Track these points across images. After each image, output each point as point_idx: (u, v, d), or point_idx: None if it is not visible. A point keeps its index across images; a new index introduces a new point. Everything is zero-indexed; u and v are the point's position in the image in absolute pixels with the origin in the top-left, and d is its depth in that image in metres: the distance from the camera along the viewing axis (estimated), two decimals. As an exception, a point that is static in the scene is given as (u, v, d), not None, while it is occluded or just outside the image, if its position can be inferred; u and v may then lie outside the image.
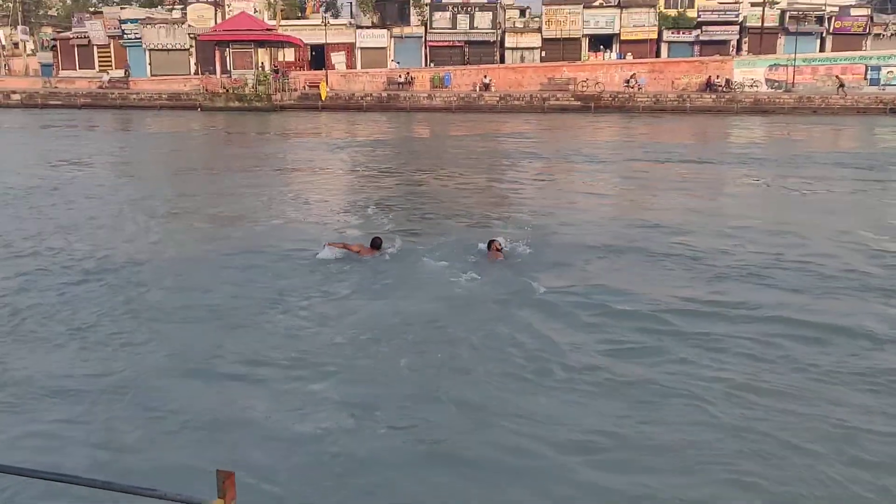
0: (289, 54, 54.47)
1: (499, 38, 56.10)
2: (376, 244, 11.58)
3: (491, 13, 55.72)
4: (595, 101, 46.00)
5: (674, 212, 16.11)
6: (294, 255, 12.06)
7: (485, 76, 50.49)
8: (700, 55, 52.73)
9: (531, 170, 23.62)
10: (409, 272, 10.96)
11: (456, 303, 9.65)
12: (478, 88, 49.72)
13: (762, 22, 52.04)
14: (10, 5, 72.46)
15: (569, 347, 8.23)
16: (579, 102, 46.35)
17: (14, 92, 51.65)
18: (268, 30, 49.61)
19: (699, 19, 53.78)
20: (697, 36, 53.54)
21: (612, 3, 55.95)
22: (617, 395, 7.15)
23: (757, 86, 47.97)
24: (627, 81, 48.34)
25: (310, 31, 56.08)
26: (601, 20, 55.00)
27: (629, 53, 53.81)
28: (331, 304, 9.63)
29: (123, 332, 8.70)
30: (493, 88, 49.59)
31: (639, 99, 46.10)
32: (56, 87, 52.93)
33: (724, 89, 47.61)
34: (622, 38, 54.69)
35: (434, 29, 56.44)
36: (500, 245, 11.34)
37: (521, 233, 12.94)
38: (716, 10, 54.12)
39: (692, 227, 14.49)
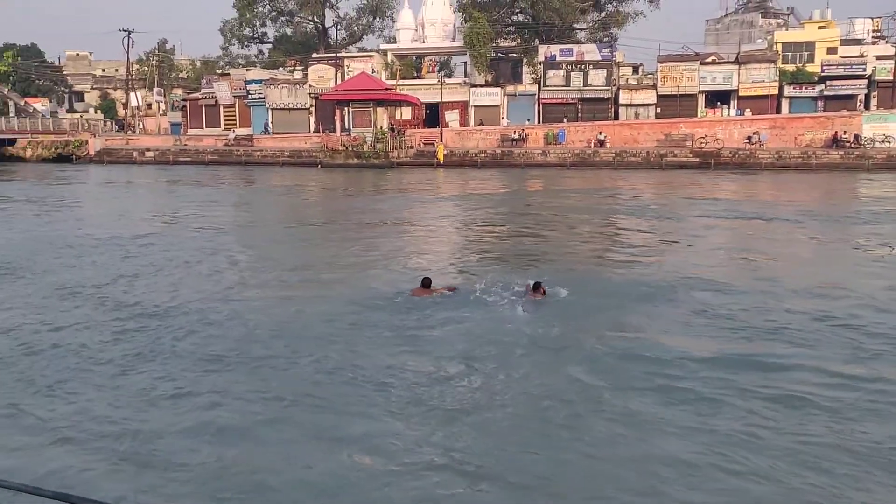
0: (406, 112, 55.85)
1: (613, 95, 55.87)
2: (426, 284, 12.13)
3: (605, 70, 55.70)
4: (715, 157, 44.96)
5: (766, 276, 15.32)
6: (363, 300, 12.33)
7: (599, 132, 50.25)
8: (824, 110, 50.97)
9: (637, 224, 23.07)
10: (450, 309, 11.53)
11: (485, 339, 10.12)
12: (592, 145, 49.47)
13: (894, 75, 49.96)
14: (147, 69, 77.60)
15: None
16: (698, 159, 45.40)
17: (148, 149, 54.79)
18: (386, 89, 51.04)
19: (823, 73, 52.13)
20: (821, 91, 51.89)
21: (730, 60, 55.09)
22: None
23: (889, 141, 45.79)
24: (749, 138, 47.08)
25: (425, 90, 57.46)
26: (718, 76, 54.10)
27: (748, 109, 52.56)
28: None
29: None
30: (608, 145, 49.23)
31: (760, 155, 44.79)
32: (185, 145, 55.84)
33: (853, 145, 45.68)
34: (740, 93, 53.55)
35: (547, 86, 56.81)
36: (544, 289, 11.92)
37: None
38: (841, 65, 52.38)
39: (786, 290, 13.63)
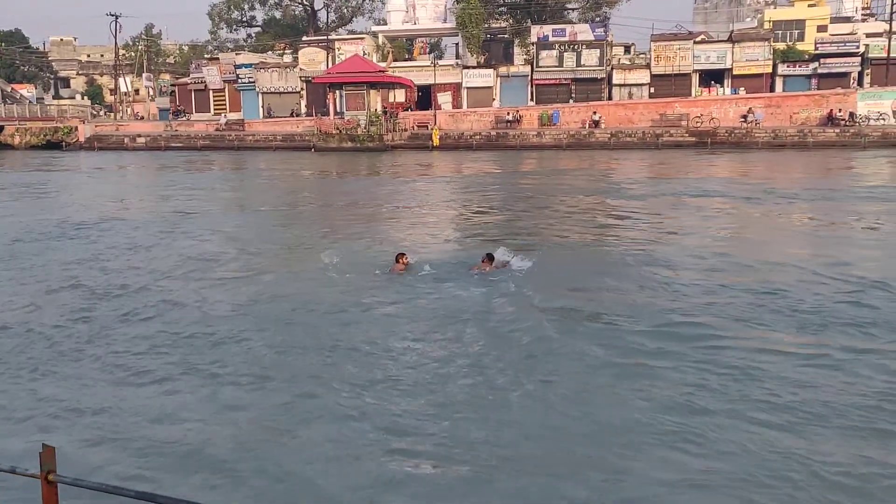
0: (399, 95, 55.43)
1: (607, 75, 55.61)
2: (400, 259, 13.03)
3: (598, 50, 55.38)
4: (711, 136, 44.87)
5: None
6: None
7: (594, 113, 50.04)
8: (818, 88, 50.92)
9: (628, 204, 23.12)
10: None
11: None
12: (587, 125, 49.26)
13: (888, 53, 49.93)
14: (134, 55, 76.65)
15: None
16: (694, 138, 45.31)
17: (139, 135, 54.17)
18: (379, 71, 50.57)
19: (817, 51, 52.02)
20: (815, 69, 51.78)
21: (723, 38, 54.90)
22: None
23: (884, 119, 45.83)
24: (744, 116, 46.99)
25: (417, 72, 56.99)
26: (712, 55, 53.91)
27: (742, 88, 52.45)
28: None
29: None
30: (602, 125, 49.04)
31: (757, 134, 44.74)
32: (176, 131, 55.22)
33: (848, 123, 45.69)
34: (734, 72, 53.40)
35: (540, 67, 56.45)
36: (494, 261, 12.91)
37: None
38: (834, 42, 52.27)
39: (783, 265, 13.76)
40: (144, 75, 70.30)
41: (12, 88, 65.50)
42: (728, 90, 52.73)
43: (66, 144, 54.50)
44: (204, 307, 11.36)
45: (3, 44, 74.67)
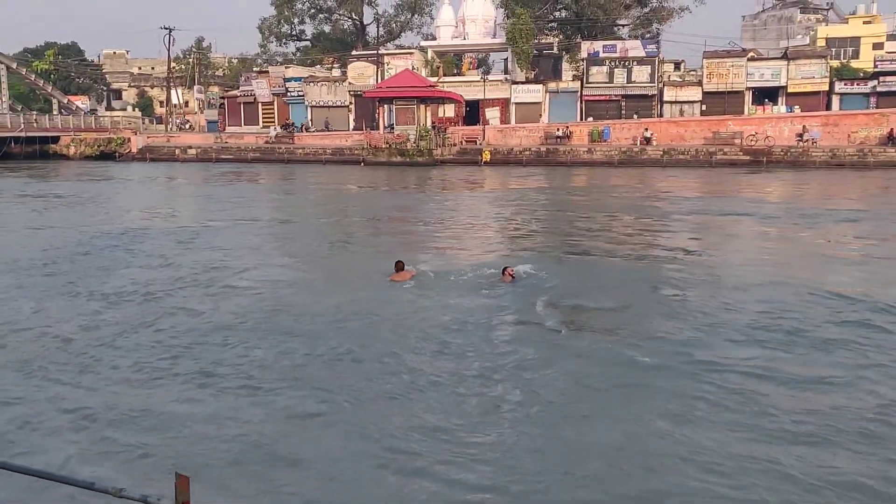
0: (448, 110, 55.42)
1: (658, 92, 55.02)
2: (398, 267, 13.41)
3: (650, 67, 54.84)
4: (766, 155, 44.03)
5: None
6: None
7: (646, 130, 49.48)
8: (877, 107, 49.75)
9: (680, 223, 22.66)
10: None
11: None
12: (638, 142, 48.71)
13: (950, 71, 48.68)
14: (184, 67, 77.83)
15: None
16: (748, 157, 44.51)
17: (190, 147, 54.85)
18: (430, 86, 50.62)
19: (876, 69, 50.88)
20: (874, 87, 50.63)
21: (777, 56, 54.02)
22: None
23: (947, 139, 44.59)
24: (800, 135, 46.03)
25: (466, 87, 56.97)
26: (766, 72, 53.03)
27: (796, 106, 51.43)
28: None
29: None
30: (654, 142, 48.45)
31: (814, 154, 43.78)
32: (226, 143, 55.80)
33: (910, 143, 44.53)
34: (789, 90, 52.43)
35: (590, 83, 56.05)
36: (511, 271, 13.34)
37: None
38: (895, 60, 51.08)
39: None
40: (196, 87, 71.27)
41: (69, 100, 66.85)
42: (783, 108, 51.75)
43: (119, 155, 55.40)
44: (264, 316, 11.43)
45: (60, 56, 76.38)
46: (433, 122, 50.90)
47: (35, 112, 61.01)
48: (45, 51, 76.79)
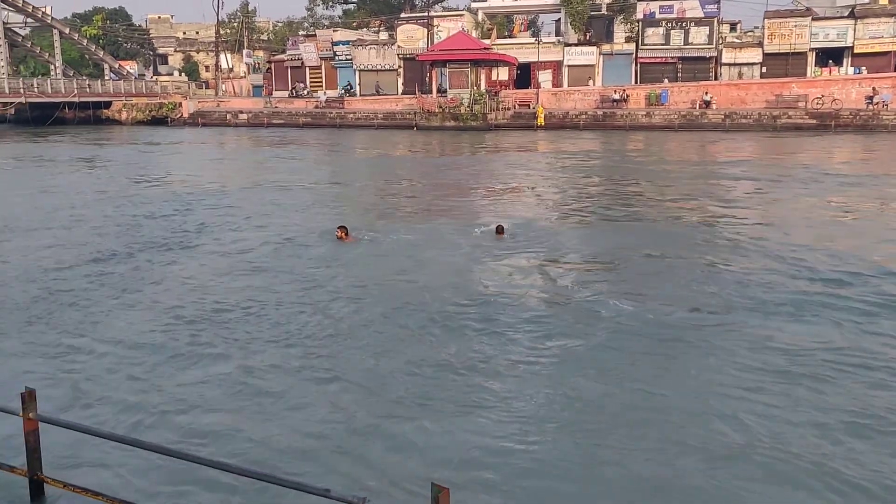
0: (502, 73, 54.49)
1: (716, 54, 53.46)
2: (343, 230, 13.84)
3: (708, 28, 53.26)
4: (833, 119, 42.55)
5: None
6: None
7: (705, 93, 48.13)
8: (950, 67, 47.86)
9: (739, 188, 21.94)
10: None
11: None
12: (698, 106, 47.43)
13: None
14: (230, 31, 77.43)
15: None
16: (815, 121, 43.06)
17: (241, 111, 54.70)
18: (484, 49, 49.70)
19: (950, 28, 48.85)
20: (946, 47, 48.65)
21: (844, 14, 52.05)
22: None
23: None
24: (870, 98, 44.38)
25: (517, 49, 55.90)
26: (831, 32, 51.19)
27: (863, 67, 49.63)
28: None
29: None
30: (714, 106, 47.13)
31: (885, 116, 42.21)
32: (276, 107, 55.54)
33: (985, 105, 42.74)
34: (856, 50, 50.59)
35: (646, 45, 54.68)
36: (502, 229, 14.33)
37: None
38: (968, 19, 49.00)
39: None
40: (244, 52, 70.93)
41: (120, 65, 66.99)
42: (849, 69, 49.99)
43: (171, 120, 55.49)
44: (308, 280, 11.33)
45: (108, 21, 76.46)
46: (487, 86, 50.04)
47: (87, 77, 61.24)
48: (93, 16, 76.83)
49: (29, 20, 62.25)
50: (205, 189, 22.13)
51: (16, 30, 63.43)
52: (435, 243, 13.96)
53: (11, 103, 53.12)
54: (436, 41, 55.41)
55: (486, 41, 54.29)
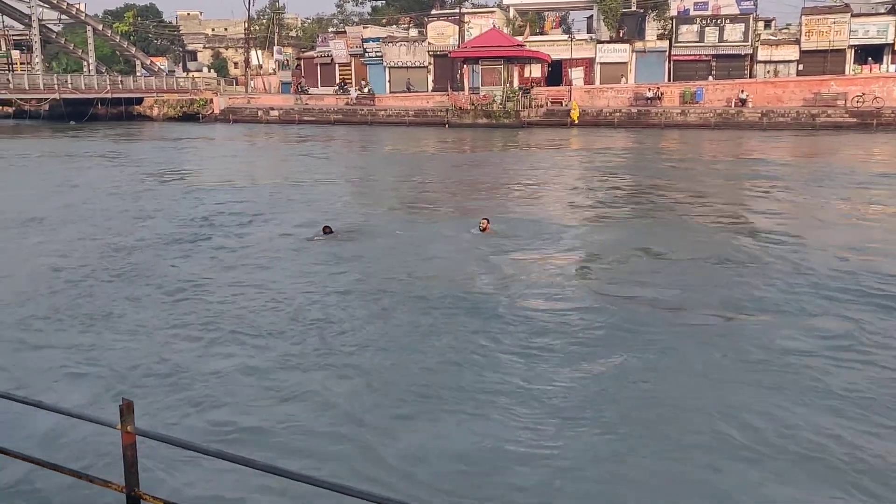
0: (535, 70, 54.06)
1: (752, 51, 52.69)
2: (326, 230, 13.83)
3: (743, 25, 52.51)
4: (875, 117, 41.76)
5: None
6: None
7: (741, 91, 47.42)
8: None
9: (763, 188, 21.29)
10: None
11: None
12: (734, 104, 46.76)
13: None
14: (258, 28, 77.62)
15: None
16: (855, 119, 42.30)
17: (272, 108, 54.75)
18: (517, 46, 49.34)
19: None
20: None
21: (884, 11, 51.08)
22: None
23: None
24: (912, 96, 43.52)
25: (549, 46, 55.43)
26: (871, 29, 50.26)
27: (904, 65, 48.73)
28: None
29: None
30: (750, 104, 46.45)
31: (928, 115, 41.39)
32: (307, 104, 55.53)
33: None
34: (896, 48, 49.67)
35: (679, 43, 54.03)
36: (485, 224, 14.14)
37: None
38: None
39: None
40: (275, 48, 71.00)
41: (151, 61, 67.35)
42: (889, 67, 49.06)
43: (203, 116, 55.68)
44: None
45: (139, 18, 76.94)
46: (519, 83, 49.67)
47: (118, 73, 61.61)
48: (124, 13, 77.38)
49: (63, 17, 62.67)
50: (236, 185, 22.25)
51: (50, 26, 63.91)
52: (451, 239, 13.93)
53: (46, 99, 53.51)
54: (466, 38, 55.11)
55: (520, 38, 53.87)
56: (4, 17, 62.72)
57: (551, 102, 50.12)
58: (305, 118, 52.61)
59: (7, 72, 56.69)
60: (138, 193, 20.50)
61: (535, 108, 47.91)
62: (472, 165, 29.33)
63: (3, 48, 72.68)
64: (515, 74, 49.26)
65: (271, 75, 73.69)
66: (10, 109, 60.24)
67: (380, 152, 35.50)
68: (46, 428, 5.69)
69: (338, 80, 63.51)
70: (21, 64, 71.51)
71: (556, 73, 56.18)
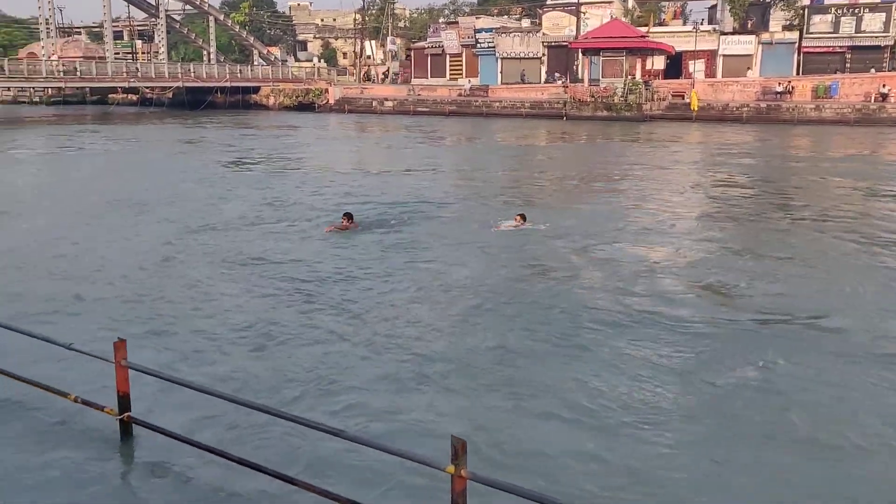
0: (658, 62, 52.34)
1: (892, 43, 49.57)
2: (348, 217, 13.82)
3: (884, 14, 49.40)
4: None
5: None
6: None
7: (882, 85, 44.57)
8: None
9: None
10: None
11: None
12: (873, 99, 44.03)
13: None
14: (368, 19, 78.10)
15: None
16: None
17: (387, 99, 54.85)
18: (641, 37, 47.82)
19: None
20: None
21: None
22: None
23: None
24: None
25: (669, 37, 53.56)
26: None
27: None
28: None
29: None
30: (892, 99, 43.61)
31: None
32: (420, 95, 55.38)
33: None
34: None
35: (811, 34, 51.28)
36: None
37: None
38: None
39: None
40: (388, 39, 71.29)
41: (268, 51, 68.66)
42: None
43: (318, 106, 56.25)
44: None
45: (254, 8, 78.60)
46: (642, 75, 48.15)
47: (235, 63, 62.99)
48: (240, 3, 79.14)
49: (187, 7, 64.48)
50: (363, 172, 22.68)
51: (173, 16, 65.91)
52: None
53: (170, 87, 55.11)
54: (582, 29, 53.87)
55: (644, 28, 52.22)
56: (130, 6, 64.94)
57: (672, 95, 48.37)
58: (419, 109, 52.44)
59: (134, 61, 58.69)
60: (269, 177, 20.91)
61: (658, 101, 46.33)
62: (593, 159, 28.34)
63: (128, 38, 75.47)
64: (638, 66, 47.67)
65: (380, 66, 74.14)
66: (135, 97, 62.42)
67: (497, 144, 34.88)
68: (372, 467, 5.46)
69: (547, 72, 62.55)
70: (142, 53, 74.05)
71: (674, 66, 54.28)
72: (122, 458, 5.56)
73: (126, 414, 5.45)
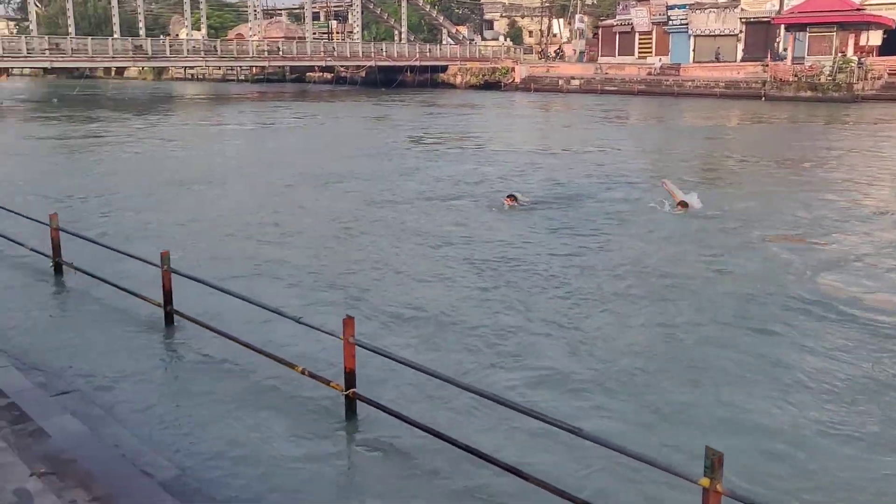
0: (873, 38, 48.07)
1: None
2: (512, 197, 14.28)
3: None
4: None
5: None
6: None
7: None
8: None
9: None
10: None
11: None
12: None
13: None
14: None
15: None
16: None
17: (573, 77, 54.21)
18: (856, 10, 44.19)
19: None
20: None
21: None
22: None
23: None
24: None
25: (887, 9, 48.99)
26: None
27: None
28: None
29: None
30: None
31: None
32: (607, 73, 54.20)
33: None
34: None
35: None
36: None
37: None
38: None
39: None
40: (577, 16, 70.32)
41: (457, 30, 69.73)
42: None
43: (504, 85, 56.53)
44: None
45: (444, -13, 79.93)
46: (854, 52, 44.49)
47: (425, 42, 64.45)
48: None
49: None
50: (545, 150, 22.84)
51: (368, -3, 68.36)
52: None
53: (363, 66, 57.33)
54: (786, 4, 50.47)
55: (857, 1, 48.16)
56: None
57: (889, 74, 44.34)
58: (607, 88, 51.45)
59: (330, 41, 61.52)
60: (454, 153, 21.45)
61: (871, 81, 42.67)
62: (791, 142, 26.49)
63: (324, 19, 79.11)
64: (850, 42, 44.07)
65: (566, 44, 73.20)
66: (330, 76, 65.47)
67: (693, 125, 33.54)
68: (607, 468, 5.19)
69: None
70: (337, 34, 77.40)
71: (892, 41, 49.60)
72: (346, 434, 5.62)
73: (352, 390, 5.52)
